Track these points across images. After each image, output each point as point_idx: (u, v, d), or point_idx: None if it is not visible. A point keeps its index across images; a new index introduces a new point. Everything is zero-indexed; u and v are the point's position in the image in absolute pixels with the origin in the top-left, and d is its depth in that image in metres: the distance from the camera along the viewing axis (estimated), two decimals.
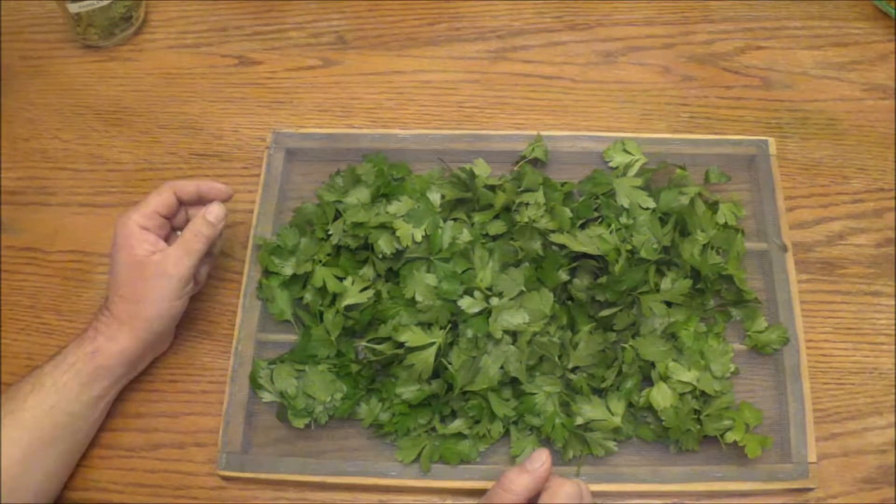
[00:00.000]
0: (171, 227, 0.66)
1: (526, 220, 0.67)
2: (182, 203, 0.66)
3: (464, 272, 0.65)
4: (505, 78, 0.81)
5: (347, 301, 0.64)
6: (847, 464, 0.63)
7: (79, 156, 0.78)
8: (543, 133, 0.74)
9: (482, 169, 0.71)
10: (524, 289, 0.64)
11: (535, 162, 0.73)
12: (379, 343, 0.64)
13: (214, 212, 0.64)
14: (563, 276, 0.65)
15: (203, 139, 0.79)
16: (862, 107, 0.79)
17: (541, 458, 0.52)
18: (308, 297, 0.67)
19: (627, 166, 0.72)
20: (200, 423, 0.66)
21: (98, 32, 0.82)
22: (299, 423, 0.63)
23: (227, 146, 0.78)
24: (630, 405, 0.63)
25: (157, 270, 0.61)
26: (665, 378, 0.62)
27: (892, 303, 0.69)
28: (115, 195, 0.76)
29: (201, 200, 0.66)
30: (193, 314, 0.70)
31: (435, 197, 0.68)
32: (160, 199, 0.64)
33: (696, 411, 0.62)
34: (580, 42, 0.83)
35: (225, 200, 0.66)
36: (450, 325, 0.64)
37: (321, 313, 0.65)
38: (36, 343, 0.70)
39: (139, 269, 0.61)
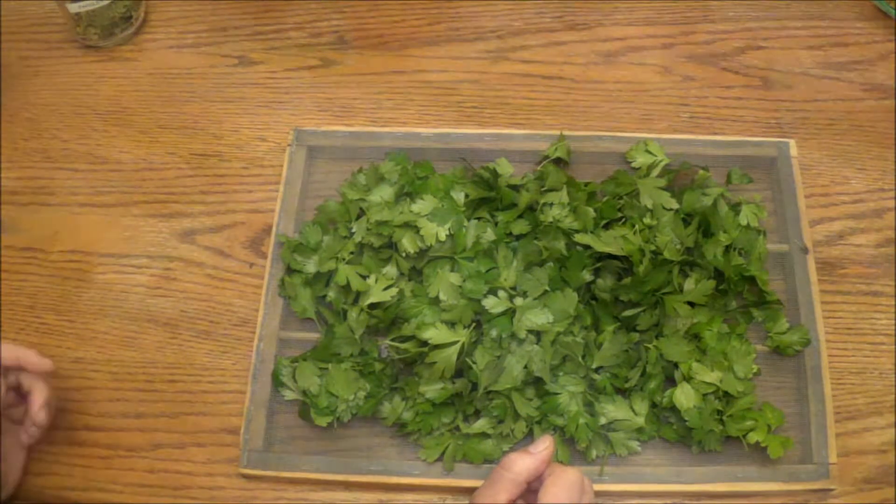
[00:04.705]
0: None
1: (550, 219, 0.67)
2: None
3: (488, 271, 0.65)
4: (505, 78, 0.81)
5: (371, 299, 0.64)
6: (847, 464, 0.63)
7: (79, 156, 0.78)
8: (565, 133, 0.74)
9: (505, 168, 0.71)
10: (548, 288, 0.64)
11: (558, 161, 0.73)
12: (402, 342, 0.64)
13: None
14: (587, 276, 0.65)
15: (203, 139, 0.79)
16: (862, 107, 0.79)
17: (545, 443, 0.52)
18: (331, 294, 0.67)
19: (650, 167, 0.72)
20: (200, 423, 0.66)
21: (98, 32, 0.82)
22: (322, 421, 0.63)
23: (227, 146, 0.78)
24: (653, 405, 0.63)
25: None
26: (688, 378, 0.63)
27: (892, 303, 0.69)
28: (115, 195, 0.76)
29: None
30: (193, 314, 0.70)
31: (459, 196, 0.68)
32: None
33: (718, 412, 0.62)
34: (580, 42, 0.83)
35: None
36: (473, 325, 0.64)
37: (344, 311, 0.66)
38: (36, 343, 0.70)
39: None
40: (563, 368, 0.63)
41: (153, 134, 0.79)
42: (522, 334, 0.62)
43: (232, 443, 0.65)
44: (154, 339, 0.70)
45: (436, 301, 0.64)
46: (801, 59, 0.82)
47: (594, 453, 0.62)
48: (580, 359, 0.63)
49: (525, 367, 0.62)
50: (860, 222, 0.73)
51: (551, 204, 0.68)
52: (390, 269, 0.67)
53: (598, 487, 0.61)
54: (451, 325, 0.63)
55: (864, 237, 0.72)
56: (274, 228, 0.71)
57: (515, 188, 0.70)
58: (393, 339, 0.65)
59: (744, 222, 0.69)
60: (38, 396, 0.60)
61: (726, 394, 0.62)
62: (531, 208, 0.69)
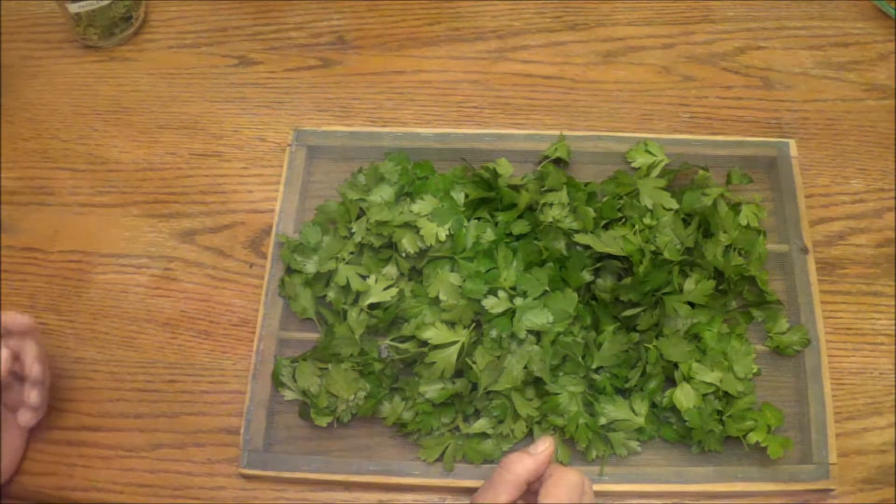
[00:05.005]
0: None
1: (550, 219, 0.67)
2: None
3: (488, 271, 0.65)
4: (505, 78, 0.81)
5: (371, 299, 0.64)
6: (847, 464, 0.63)
7: (79, 156, 0.78)
8: (565, 133, 0.74)
9: (505, 168, 0.71)
10: (548, 289, 0.64)
11: (558, 161, 0.73)
12: (402, 342, 0.64)
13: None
14: (587, 276, 0.65)
15: (203, 139, 0.79)
16: (862, 107, 0.79)
17: (545, 444, 0.52)
18: (331, 294, 0.67)
19: (650, 167, 0.72)
20: (200, 423, 0.66)
21: (98, 32, 0.82)
22: (322, 421, 0.63)
23: (227, 146, 0.78)
24: (653, 405, 0.63)
25: None
26: (688, 378, 0.63)
27: (892, 303, 0.69)
28: (115, 195, 0.76)
29: None
30: (193, 314, 0.70)
31: (459, 196, 0.68)
32: None
33: (718, 412, 0.62)
34: (580, 42, 0.83)
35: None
36: (473, 325, 0.64)
37: (344, 311, 0.66)
38: None
39: None
40: (563, 368, 0.63)
41: (153, 134, 0.79)
42: (522, 334, 0.62)
43: (232, 443, 0.65)
44: (154, 339, 0.70)
45: (436, 301, 0.64)
46: (801, 59, 0.82)
47: (594, 453, 0.62)
48: (580, 359, 0.63)
49: (525, 367, 0.62)
50: (860, 222, 0.73)
51: (551, 204, 0.68)
52: (390, 269, 0.67)
53: (598, 487, 0.61)
54: (451, 325, 0.63)
55: (864, 237, 0.72)
56: (274, 228, 0.71)
57: (515, 188, 0.70)
58: (393, 339, 0.65)
59: (744, 222, 0.69)
60: (30, 352, 0.60)
61: (726, 394, 0.62)
62: (531, 208, 0.69)
